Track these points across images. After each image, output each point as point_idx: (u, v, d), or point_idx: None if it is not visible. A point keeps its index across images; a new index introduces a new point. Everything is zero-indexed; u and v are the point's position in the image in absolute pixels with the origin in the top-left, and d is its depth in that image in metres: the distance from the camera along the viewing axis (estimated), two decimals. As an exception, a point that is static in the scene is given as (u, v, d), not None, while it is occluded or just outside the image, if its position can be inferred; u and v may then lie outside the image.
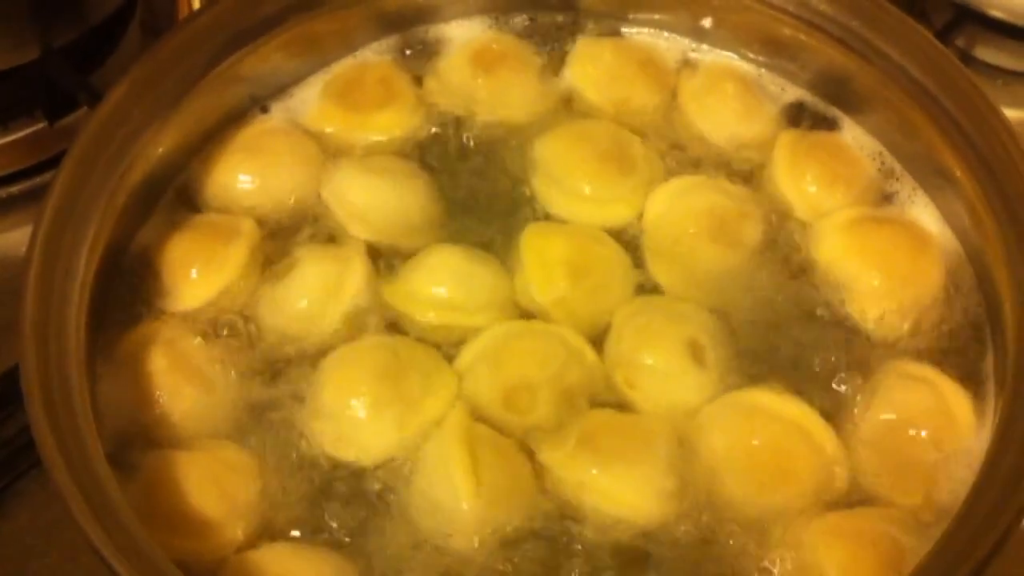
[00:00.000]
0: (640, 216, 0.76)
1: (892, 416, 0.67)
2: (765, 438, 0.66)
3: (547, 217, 0.76)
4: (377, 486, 0.65)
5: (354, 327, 0.70)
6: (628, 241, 0.75)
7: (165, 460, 0.64)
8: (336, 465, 0.66)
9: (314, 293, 0.70)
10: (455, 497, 0.62)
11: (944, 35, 0.90)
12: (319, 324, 0.70)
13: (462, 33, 0.85)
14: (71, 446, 0.58)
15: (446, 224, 0.76)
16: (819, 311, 0.73)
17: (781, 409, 0.67)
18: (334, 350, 0.69)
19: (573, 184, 0.76)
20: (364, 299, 0.71)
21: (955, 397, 0.68)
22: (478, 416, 0.67)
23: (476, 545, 0.63)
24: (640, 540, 0.64)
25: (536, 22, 0.85)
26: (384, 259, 0.73)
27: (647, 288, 0.73)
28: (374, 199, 0.75)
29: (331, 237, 0.75)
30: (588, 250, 0.73)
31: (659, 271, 0.74)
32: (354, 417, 0.66)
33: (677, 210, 0.75)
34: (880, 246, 0.73)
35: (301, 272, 0.71)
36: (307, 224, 0.76)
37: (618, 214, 0.76)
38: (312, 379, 0.68)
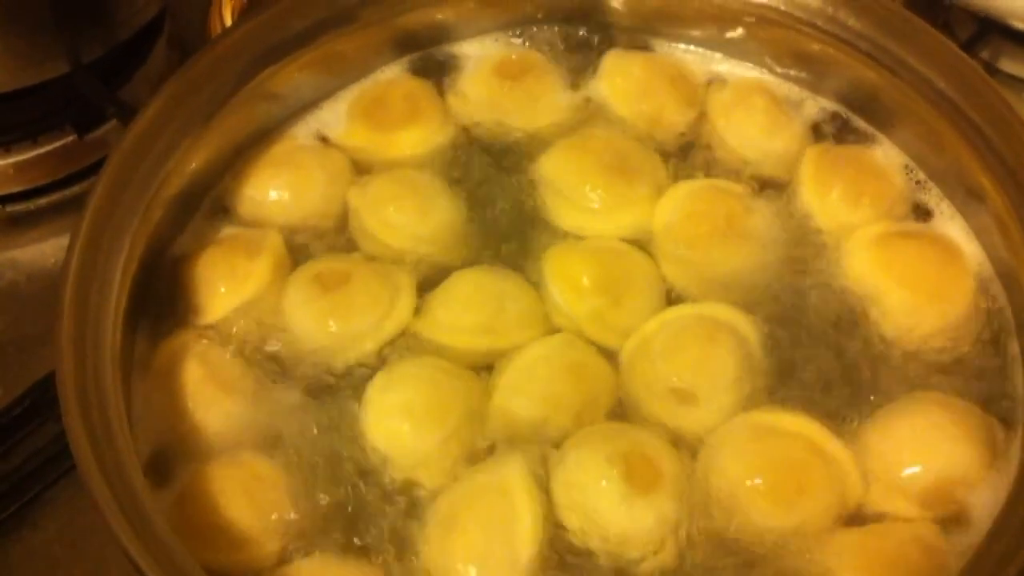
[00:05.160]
0: (650, 223, 0.76)
1: (917, 439, 0.66)
2: (779, 456, 0.65)
3: (562, 232, 0.76)
4: (410, 502, 0.65)
5: (390, 351, 0.71)
6: (644, 249, 0.75)
7: (198, 472, 0.64)
8: (369, 480, 0.66)
9: (364, 317, 0.70)
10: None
11: (968, 48, 0.90)
12: (359, 345, 0.70)
13: (483, 50, 0.85)
14: (107, 457, 0.58)
15: (471, 238, 0.76)
16: (844, 326, 0.72)
17: (790, 426, 0.67)
18: (378, 374, 0.69)
19: (580, 197, 0.77)
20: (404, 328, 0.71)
21: (980, 422, 0.67)
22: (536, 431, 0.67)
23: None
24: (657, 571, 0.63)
25: (555, 37, 0.86)
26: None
27: (675, 291, 0.74)
28: (406, 211, 0.75)
29: (359, 249, 0.75)
30: (610, 263, 0.73)
31: (676, 277, 0.74)
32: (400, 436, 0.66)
33: (683, 214, 0.75)
34: (908, 261, 0.73)
35: (352, 291, 0.71)
36: (336, 238, 0.76)
37: (629, 223, 0.76)
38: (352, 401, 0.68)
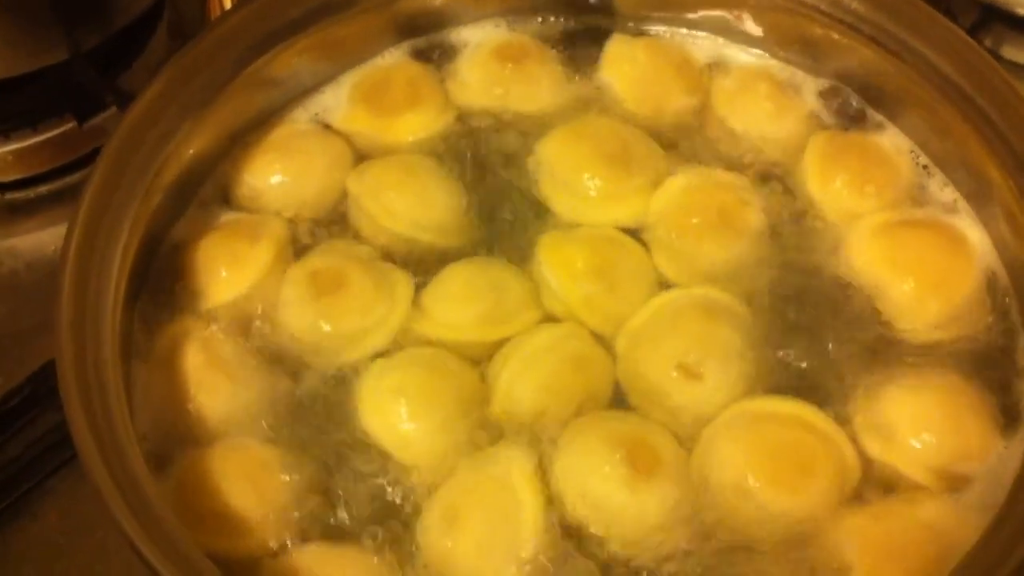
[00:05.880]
0: (646, 213, 0.76)
1: (925, 413, 0.66)
2: (780, 440, 0.65)
3: (559, 220, 0.76)
4: (409, 490, 0.65)
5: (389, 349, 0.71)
6: (637, 238, 0.75)
7: (199, 458, 0.64)
8: (372, 466, 0.66)
9: (356, 323, 0.70)
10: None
11: (971, 35, 0.89)
12: (354, 346, 0.70)
13: (484, 35, 0.85)
14: (107, 444, 0.58)
15: (470, 224, 0.76)
16: (846, 314, 0.72)
17: (786, 410, 0.67)
18: (376, 360, 0.69)
19: (578, 184, 0.76)
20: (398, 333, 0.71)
21: (988, 403, 0.67)
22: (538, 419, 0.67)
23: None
24: (663, 560, 0.63)
25: (555, 23, 0.85)
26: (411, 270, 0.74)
27: (668, 280, 0.73)
28: (406, 197, 0.75)
29: (359, 235, 0.75)
30: (604, 250, 0.73)
31: (667, 267, 0.74)
32: (400, 425, 0.66)
33: (677, 204, 0.75)
34: (913, 250, 0.72)
35: (347, 296, 0.70)
36: (337, 224, 0.76)
37: (624, 212, 0.76)
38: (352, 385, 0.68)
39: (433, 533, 0.63)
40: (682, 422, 0.67)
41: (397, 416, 0.66)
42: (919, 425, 0.66)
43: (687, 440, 0.67)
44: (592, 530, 0.63)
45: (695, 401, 0.68)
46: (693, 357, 0.68)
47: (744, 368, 0.68)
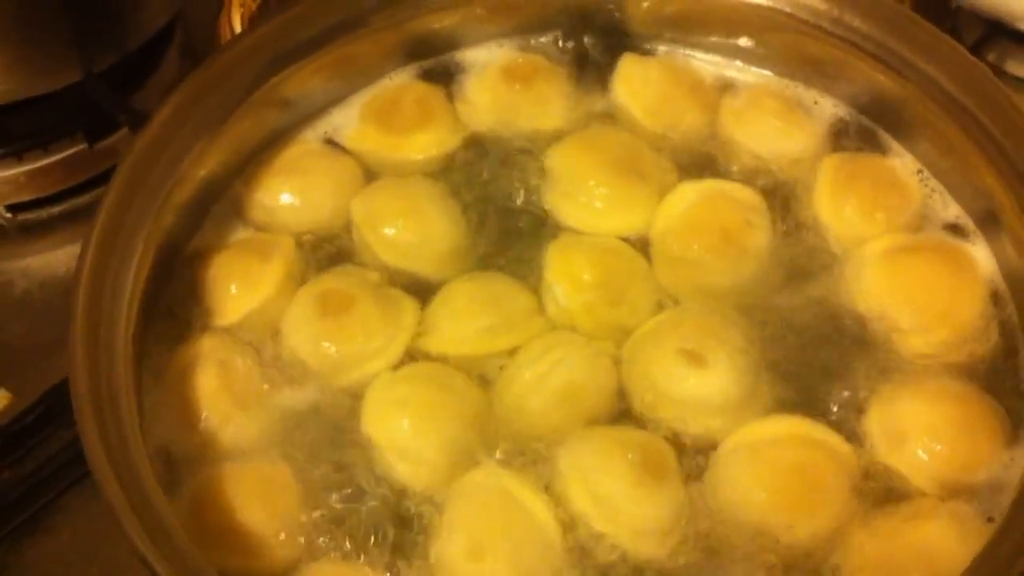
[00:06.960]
0: (651, 224, 0.76)
1: (934, 422, 0.66)
2: (790, 464, 0.65)
3: (563, 228, 0.76)
4: (421, 509, 0.65)
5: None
6: (643, 250, 0.75)
7: (211, 477, 0.65)
8: (382, 486, 0.66)
9: (360, 347, 0.70)
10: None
11: (975, 51, 0.89)
12: (358, 369, 0.70)
13: (492, 55, 0.85)
14: (120, 461, 0.59)
15: (472, 249, 0.76)
16: (848, 336, 0.72)
17: (790, 431, 0.67)
18: (381, 374, 0.69)
19: (583, 194, 0.77)
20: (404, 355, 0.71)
21: (996, 414, 0.67)
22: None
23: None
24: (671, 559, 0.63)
25: (563, 43, 0.86)
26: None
27: (670, 295, 0.73)
28: (404, 230, 0.75)
29: (360, 260, 0.76)
30: (608, 261, 0.74)
31: (669, 282, 0.74)
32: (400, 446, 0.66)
33: (681, 222, 0.75)
34: (918, 278, 0.72)
35: (351, 320, 0.70)
36: (347, 243, 0.76)
37: (629, 221, 0.76)
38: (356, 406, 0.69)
39: (456, 563, 0.62)
40: (688, 415, 0.67)
41: (400, 429, 0.66)
42: (929, 434, 0.66)
43: (693, 440, 0.67)
44: (601, 531, 0.63)
45: (701, 389, 0.67)
46: (698, 345, 0.68)
47: (748, 363, 0.68)
